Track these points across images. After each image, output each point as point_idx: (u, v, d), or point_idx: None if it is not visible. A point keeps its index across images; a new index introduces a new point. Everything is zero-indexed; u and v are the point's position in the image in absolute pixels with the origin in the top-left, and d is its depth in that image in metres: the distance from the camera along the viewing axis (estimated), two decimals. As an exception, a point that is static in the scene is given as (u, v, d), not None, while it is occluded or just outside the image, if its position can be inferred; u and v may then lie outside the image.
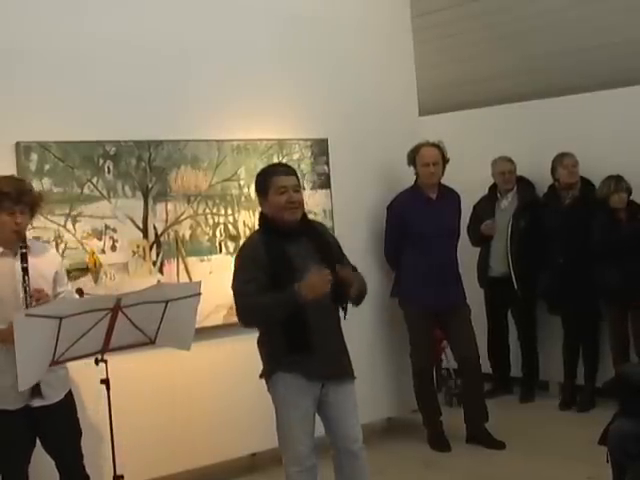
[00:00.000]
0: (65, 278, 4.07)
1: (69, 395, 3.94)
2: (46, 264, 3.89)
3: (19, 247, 3.78)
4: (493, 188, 6.70)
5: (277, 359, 3.81)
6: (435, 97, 7.19)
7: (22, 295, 3.71)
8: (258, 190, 3.93)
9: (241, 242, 5.12)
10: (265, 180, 3.87)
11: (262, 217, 3.93)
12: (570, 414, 6.19)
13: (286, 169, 3.94)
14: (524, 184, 6.61)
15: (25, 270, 3.73)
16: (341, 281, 3.71)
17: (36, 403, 3.73)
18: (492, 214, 6.58)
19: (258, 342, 3.94)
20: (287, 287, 3.63)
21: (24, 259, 3.75)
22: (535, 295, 6.57)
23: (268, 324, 3.79)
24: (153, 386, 4.79)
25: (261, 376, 3.92)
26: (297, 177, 3.90)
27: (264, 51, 5.32)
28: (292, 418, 3.81)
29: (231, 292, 3.81)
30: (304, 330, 3.74)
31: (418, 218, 5.56)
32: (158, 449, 4.78)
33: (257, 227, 3.98)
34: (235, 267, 3.86)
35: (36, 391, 3.70)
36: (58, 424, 3.85)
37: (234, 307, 3.84)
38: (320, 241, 3.91)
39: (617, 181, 5.88)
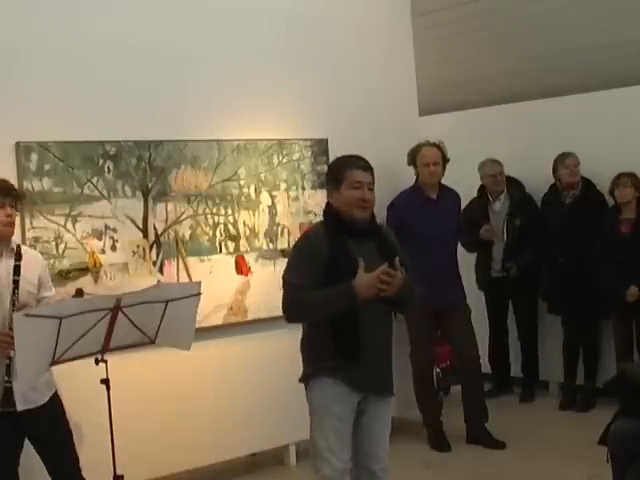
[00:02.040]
0: (49, 282, 4.07)
1: (55, 397, 3.94)
2: (30, 268, 3.89)
3: (13, 258, 3.81)
4: (482, 190, 6.66)
5: (321, 363, 3.58)
6: (435, 97, 7.19)
7: (9, 302, 3.73)
8: (331, 180, 3.67)
9: (241, 242, 5.17)
10: (341, 171, 3.62)
11: (328, 210, 3.69)
12: (570, 414, 6.19)
13: (365, 164, 3.65)
14: (514, 184, 6.59)
15: (16, 283, 3.76)
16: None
17: (20, 407, 3.73)
18: (487, 218, 6.52)
19: (301, 344, 3.72)
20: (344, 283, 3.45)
21: (17, 271, 3.77)
22: (536, 294, 6.57)
23: (318, 320, 3.56)
24: (153, 386, 4.79)
25: (301, 380, 3.70)
26: (373, 174, 3.66)
27: (264, 51, 5.32)
28: (328, 426, 3.56)
29: (280, 281, 3.62)
30: (355, 336, 3.54)
31: (418, 218, 5.55)
32: (158, 449, 4.78)
33: (322, 218, 3.75)
34: (291, 257, 3.69)
35: (7, 399, 3.69)
36: (46, 426, 3.86)
37: (282, 298, 3.60)
38: (385, 245, 3.68)
39: (619, 176, 5.87)
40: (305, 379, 3.67)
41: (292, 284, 3.54)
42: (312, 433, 3.63)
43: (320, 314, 3.54)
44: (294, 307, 3.55)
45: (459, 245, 5.90)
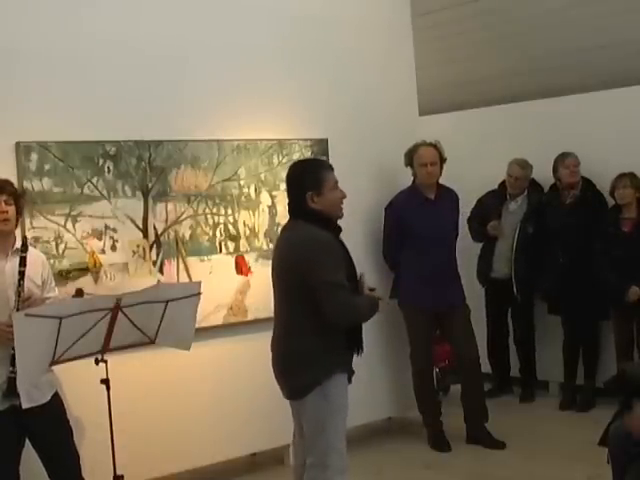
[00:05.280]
0: (53, 282, 4.09)
1: (56, 396, 3.95)
2: (33, 267, 3.90)
3: (19, 250, 3.84)
4: (502, 185, 6.64)
5: (334, 360, 3.61)
6: (435, 97, 7.20)
7: (14, 298, 3.74)
8: (311, 185, 3.66)
9: (241, 242, 5.16)
10: (320, 174, 3.69)
11: (316, 214, 3.65)
12: (570, 414, 6.19)
13: (330, 164, 3.84)
14: (534, 188, 6.55)
15: (22, 274, 3.77)
16: None
17: (25, 404, 3.73)
18: (499, 214, 6.54)
19: (302, 348, 3.61)
20: (363, 294, 3.65)
21: (22, 263, 3.78)
22: (533, 297, 6.57)
23: (354, 325, 3.68)
24: (153, 386, 4.79)
25: (298, 388, 3.62)
26: None
27: (264, 51, 5.32)
28: (342, 424, 3.63)
29: (316, 284, 3.50)
30: (360, 330, 3.74)
31: (416, 218, 5.55)
32: (158, 449, 4.78)
33: (306, 222, 3.65)
34: (323, 258, 3.52)
35: (11, 391, 3.70)
36: (47, 425, 3.87)
37: (325, 299, 3.50)
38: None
39: (620, 177, 5.86)
40: (315, 381, 3.58)
41: (344, 286, 3.53)
42: (326, 433, 3.60)
43: (363, 321, 3.71)
44: (350, 312, 3.59)
45: (458, 244, 5.88)
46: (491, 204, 6.59)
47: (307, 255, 3.56)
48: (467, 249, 6.54)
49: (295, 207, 3.75)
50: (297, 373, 3.64)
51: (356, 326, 3.71)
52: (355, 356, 3.73)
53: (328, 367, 3.59)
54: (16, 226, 3.93)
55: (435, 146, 5.61)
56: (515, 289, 6.48)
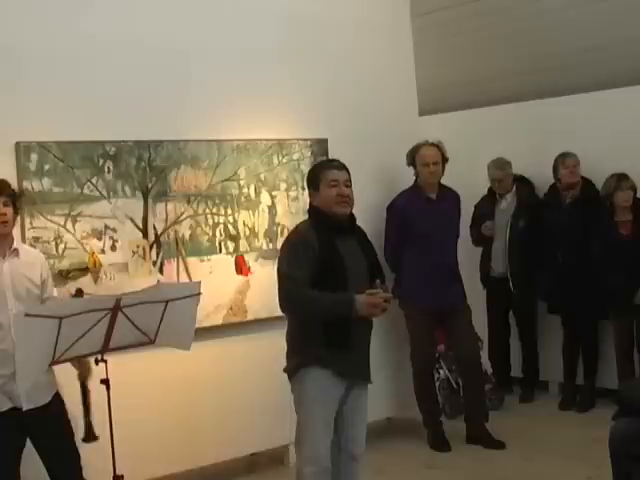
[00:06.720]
0: (52, 283, 4.08)
1: (57, 397, 3.95)
2: (32, 267, 3.90)
3: (17, 251, 3.84)
4: (491, 188, 6.70)
5: (312, 353, 3.76)
6: (435, 97, 7.19)
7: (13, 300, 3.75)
8: (310, 183, 3.99)
9: (241, 242, 5.17)
10: (317, 173, 3.95)
11: (312, 210, 3.96)
12: (570, 414, 6.18)
13: (338, 164, 3.98)
14: (523, 184, 6.60)
15: None
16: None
17: (25, 406, 3.73)
18: (492, 215, 6.58)
19: (289, 335, 3.92)
20: (343, 291, 3.70)
21: None
22: (535, 295, 6.57)
23: (311, 317, 3.77)
24: (153, 386, 4.79)
25: (291, 369, 3.87)
26: (349, 173, 3.97)
27: (264, 51, 5.32)
28: (317, 416, 3.78)
29: (276, 274, 3.83)
30: (346, 327, 3.76)
31: (418, 218, 5.55)
32: (158, 449, 4.78)
33: (308, 218, 3.99)
34: (285, 251, 3.87)
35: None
36: (49, 426, 3.86)
37: (279, 289, 3.80)
38: (365, 242, 4.00)
39: (620, 178, 5.86)
40: (296, 368, 3.82)
41: (293, 278, 3.73)
42: (299, 421, 3.84)
43: (317, 314, 3.75)
44: (296, 302, 3.77)
45: (459, 244, 5.89)
46: (484, 207, 6.65)
47: (281, 248, 3.99)
48: (470, 250, 6.56)
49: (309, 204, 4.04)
50: (286, 358, 3.93)
51: (339, 323, 3.73)
52: (344, 353, 3.76)
53: (305, 358, 3.79)
54: (13, 226, 3.92)
55: (437, 146, 5.62)
56: (511, 284, 6.49)
